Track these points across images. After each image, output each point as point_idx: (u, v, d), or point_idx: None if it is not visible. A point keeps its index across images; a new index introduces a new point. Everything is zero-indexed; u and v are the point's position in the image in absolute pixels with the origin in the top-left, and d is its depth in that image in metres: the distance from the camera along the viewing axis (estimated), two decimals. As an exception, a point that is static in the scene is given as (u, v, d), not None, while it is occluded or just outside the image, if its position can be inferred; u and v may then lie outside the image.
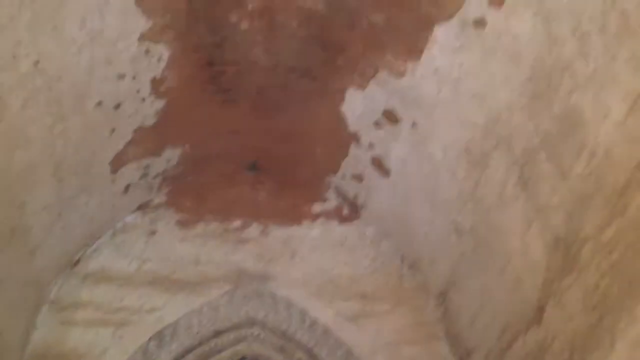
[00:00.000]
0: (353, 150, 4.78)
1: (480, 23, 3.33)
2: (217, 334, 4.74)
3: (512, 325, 3.63)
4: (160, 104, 4.50)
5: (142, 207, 5.21)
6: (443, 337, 4.63)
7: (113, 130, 4.34)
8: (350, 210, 5.32)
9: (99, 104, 4.04)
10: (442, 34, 3.54)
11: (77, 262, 4.79)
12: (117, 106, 4.20)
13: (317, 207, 5.35)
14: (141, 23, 3.89)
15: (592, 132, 2.79)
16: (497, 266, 3.73)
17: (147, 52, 4.09)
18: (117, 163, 4.59)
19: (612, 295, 2.70)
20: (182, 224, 5.19)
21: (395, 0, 3.63)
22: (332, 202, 5.37)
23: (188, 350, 4.64)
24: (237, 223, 5.24)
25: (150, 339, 4.54)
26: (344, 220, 5.30)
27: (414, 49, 3.74)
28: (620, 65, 2.58)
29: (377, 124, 4.41)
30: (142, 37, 3.96)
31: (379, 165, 4.69)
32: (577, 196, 2.93)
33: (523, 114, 3.23)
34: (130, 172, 4.80)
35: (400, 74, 3.93)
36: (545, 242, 3.23)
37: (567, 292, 3.06)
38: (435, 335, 4.67)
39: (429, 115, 3.96)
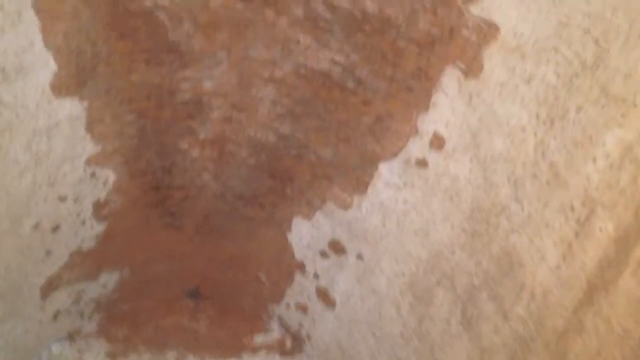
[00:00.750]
0: (298, 279, 4.74)
1: (422, 163, 3.51)
2: None
3: None
4: (101, 227, 4.39)
5: (71, 336, 4.90)
6: None
7: (48, 253, 4.16)
8: (293, 343, 5.16)
9: (36, 226, 3.91)
10: (387, 171, 3.69)
11: (-4, 393, 4.38)
12: (55, 228, 4.07)
13: (258, 339, 5.19)
14: (89, 147, 3.90)
15: (530, 274, 2.86)
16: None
17: (92, 175, 4.05)
18: (49, 287, 4.36)
19: None
20: (113, 355, 4.89)
21: (342, 137, 3.80)
22: (274, 333, 5.22)
23: None
24: (172, 355, 4.98)
25: None
26: (286, 353, 5.13)
27: (360, 183, 3.87)
28: (552, 212, 2.72)
29: (323, 254, 4.42)
30: (89, 161, 3.95)
31: (324, 296, 4.64)
32: (519, 338, 2.95)
33: (464, 252, 3.31)
34: (62, 297, 4.56)
35: (347, 206, 4.03)
36: (489, 384, 3.18)
37: None
38: None
39: (374, 248, 4.01)
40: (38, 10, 3.36)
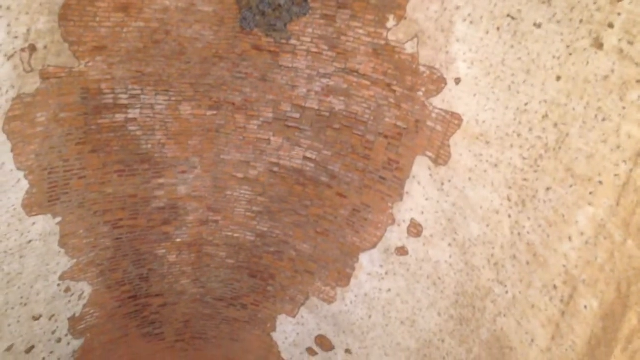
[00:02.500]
0: (287, 379, 4.59)
1: (402, 251, 3.53)
2: None
3: None
4: (78, 342, 4.23)
5: None
6: None
7: (22, 377, 3.97)
8: None
9: (10, 348, 3.74)
10: (368, 261, 3.69)
11: None
12: (30, 349, 3.91)
13: None
14: (63, 262, 3.82)
15: (522, 358, 2.83)
16: None
17: (67, 290, 3.95)
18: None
19: None
20: None
21: (320, 231, 3.82)
22: None
23: None
24: None
25: None
26: None
27: (342, 276, 3.85)
28: (536, 292, 2.73)
29: (310, 351, 4.30)
30: (63, 276, 3.86)
31: (315, 394, 4.49)
32: None
33: (453, 339, 3.27)
34: None
35: (331, 300, 3.98)
36: None
37: None
38: None
39: (362, 341, 3.93)
40: (9, 133, 3.39)
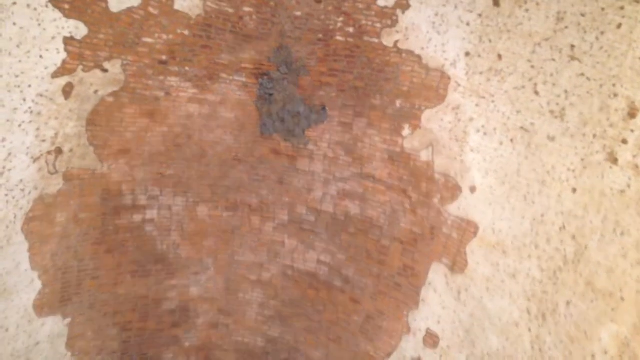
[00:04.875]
0: None
1: (418, 363, 3.40)
2: None
3: None
4: None
5: None
6: None
7: None
8: None
9: None
10: (383, 374, 3.55)
11: None
12: None
13: None
14: (69, 367, 3.74)
15: None
16: None
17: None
18: None
19: None
20: None
21: (332, 337, 3.71)
22: None
23: None
24: None
25: None
26: None
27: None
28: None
29: None
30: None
31: None
32: None
33: None
34: None
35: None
36: None
37: None
38: None
39: None
40: (27, 233, 3.43)
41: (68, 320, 3.63)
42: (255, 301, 3.94)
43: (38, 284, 3.46)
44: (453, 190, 3.33)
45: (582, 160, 2.68)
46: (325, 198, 3.76)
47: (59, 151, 3.41)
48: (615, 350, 2.39)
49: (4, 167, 3.15)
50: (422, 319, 3.40)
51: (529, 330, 2.84)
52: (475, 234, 3.18)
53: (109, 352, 3.83)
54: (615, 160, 2.54)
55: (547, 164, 2.87)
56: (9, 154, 3.16)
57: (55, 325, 3.58)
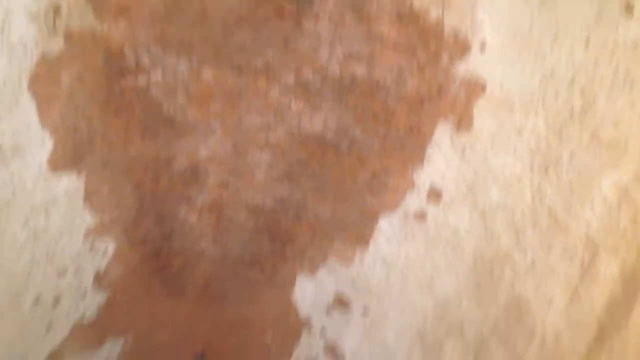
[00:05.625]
0: (305, 337, 4.70)
1: (421, 216, 3.57)
2: None
3: None
4: (102, 297, 4.36)
5: None
6: None
7: (50, 327, 4.10)
8: (305, 403, 5.08)
9: (36, 301, 3.86)
10: (387, 226, 3.74)
11: None
12: (56, 303, 4.03)
13: None
14: (88, 219, 3.91)
15: (539, 319, 2.89)
16: None
17: (91, 246, 4.05)
18: (53, 360, 4.29)
19: None
20: None
21: (339, 195, 3.86)
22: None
23: None
24: (182, 421, 4.86)
25: None
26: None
27: (361, 239, 3.91)
28: (555, 258, 2.78)
29: (328, 311, 4.41)
30: (88, 233, 3.95)
31: (333, 351, 4.60)
32: (535, 384, 2.95)
33: (471, 302, 3.34)
34: (66, 370, 4.48)
35: (349, 263, 4.05)
36: None
37: None
38: None
39: (380, 301, 4.02)
40: (34, 93, 3.44)
41: (83, 177, 3.74)
42: (263, 163, 4.04)
43: (49, 143, 3.51)
44: (462, 48, 3.29)
45: (597, 12, 2.62)
46: (332, 60, 3.72)
47: (57, 9, 3.32)
48: (615, 196, 2.50)
49: (2, 27, 3.09)
50: (427, 175, 3.53)
51: (531, 183, 2.95)
52: (483, 92, 3.19)
53: (125, 208, 4.00)
54: (630, 12, 2.49)
55: (560, 17, 2.81)
56: (6, 13, 3.09)
57: (70, 183, 3.70)
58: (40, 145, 3.48)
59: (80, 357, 4.53)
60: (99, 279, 4.25)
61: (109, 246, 4.16)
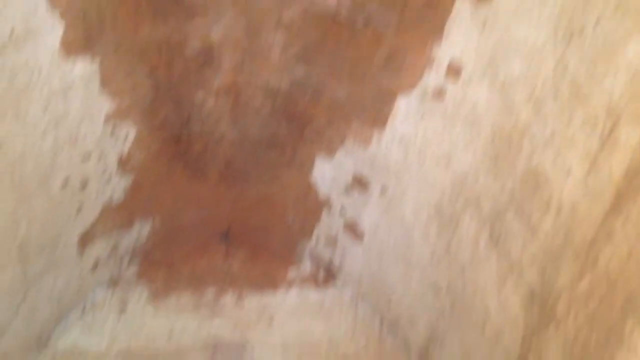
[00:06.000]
0: (325, 216, 4.86)
1: (439, 93, 3.53)
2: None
3: (495, 380, 3.68)
4: (127, 181, 4.50)
5: (112, 283, 5.11)
6: (427, 394, 4.62)
7: (80, 209, 4.30)
8: (326, 275, 5.35)
9: (65, 184, 4.01)
10: (405, 104, 3.71)
11: (47, 340, 4.60)
12: (84, 186, 4.18)
13: (292, 273, 5.37)
14: (106, 104, 3.94)
15: (556, 189, 2.94)
16: (476, 322, 3.80)
17: (112, 131, 4.11)
18: (85, 241, 4.52)
19: (591, 346, 2.78)
20: (154, 298, 5.10)
21: (356, 75, 3.80)
22: (307, 267, 5.41)
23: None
24: (210, 292, 5.19)
25: None
26: (320, 285, 5.32)
27: (379, 119, 3.90)
28: (575, 128, 2.77)
29: (347, 190, 4.51)
30: (108, 118, 4.00)
31: (352, 229, 4.78)
32: (548, 251, 3.06)
33: (488, 176, 3.39)
34: (99, 248, 4.73)
35: (367, 142, 4.08)
36: (521, 297, 3.33)
37: (547, 345, 3.14)
38: (419, 392, 4.66)
39: (398, 180, 4.09)
40: (41, -25, 3.34)
41: (97, 62, 3.71)
42: (277, 43, 3.94)
43: (60, 27, 3.45)
44: None
45: None
46: None
47: None
48: (639, 63, 2.44)
49: None
50: (446, 51, 3.43)
51: (554, 53, 2.87)
52: (506, -41, 3.02)
53: (142, 93, 4.01)
54: None
55: None
56: None
57: (85, 67, 3.68)
58: (51, 29, 3.42)
59: (112, 237, 4.78)
60: (122, 163, 4.36)
61: (129, 132, 4.22)
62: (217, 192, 4.87)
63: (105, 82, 3.84)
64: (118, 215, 4.67)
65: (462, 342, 4.05)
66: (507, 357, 3.53)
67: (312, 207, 4.85)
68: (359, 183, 4.42)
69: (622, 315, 2.58)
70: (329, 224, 4.92)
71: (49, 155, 3.76)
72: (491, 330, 3.66)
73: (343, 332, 5.01)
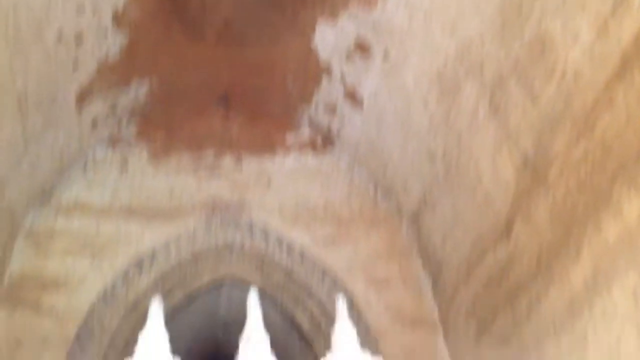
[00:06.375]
0: (325, 81, 4.81)
1: (451, -47, 3.37)
2: (196, 259, 4.88)
3: (482, 241, 3.89)
4: (123, 38, 4.39)
5: (112, 141, 5.16)
6: (416, 255, 4.88)
7: (76, 65, 4.23)
8: (324, 141, 5.40)
9: (59, 38, 3.91)
10: (413, -36, 3.55)
11: (50, 194, 4.74)
12: (79, 41, 4.08)
13: (290, 138, 5.42)
14: (97, -50, 3.75)
15: (561, 55, 2.92)
16: (468, 187, 3.94)
17: (105, -17, 3.95)
18: (82, 98, 4.50)
19: (579, 210, 2.93)
20: (154, 158, 5.18)
21: None
22: (305, 132, 5.44)
23: (167, 275, 4.76)
24: (209, 154, 5.25)
25: (129, 265, 4.59)
26: (318, 149, 5.39)
27: (384, -18, 3.74)
28: (588, -8, 2.68)
29: (348, 56, 4.43)
30: (103, -32, 3.83)
31: (352, 96, 4.76)
32: (547, 118, 3.10)
33: (493, 42, 3.34)
34: (97, 106, 4.73)
35: (372, 5, 3.94)
36: (514, 163, 3.43)
37: (536, 208, 3.29)
38: (409, 254, 4.92)
39: (401, 45, 4.01)
40: None
41: None
42: None
43: None
44: None
45: None
46: None
47: None
48: None
49: None
50: None
51: None
52: None
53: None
54: None
55: None
56: None
57: None
58: None
59: (109, 96, 4.75)
60: (117, 19, 4.23)
61: (124, -13, 4.04)
62: (215, 54, 4.76)
63: None
64: (115, 73, 4.60)
65: (453, 207, 4.23)
66: (495, 219, 3.72)
67: (313, 73, 4.78)
68: (361, 48, 4.33)
69: (612, 180, 2.70)
70: (328, 91, 4.89)
71: (43, 6, 3.62)
72: (482, 194, 3.82)
73: (338, 197, 5.17)
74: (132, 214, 4.84)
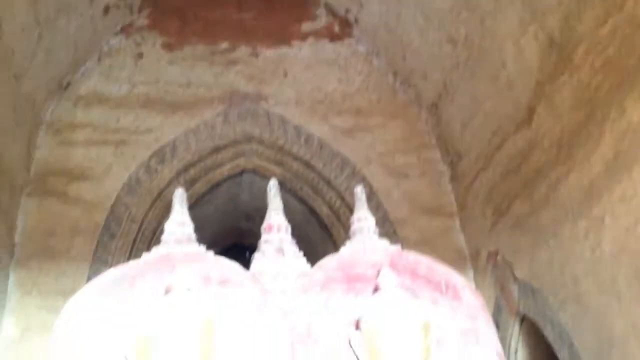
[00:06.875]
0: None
1: None
2: (216, 150, 4.88)
3: (502, 128, 3.82)
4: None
5: (125, 30, 5.04)
6: (435, 145, 4.85)
7: None
8: (341, 28, 5.21)
9: None
10: None
11: (67, 86, 4.72)
12: None
13: (306, 26, 5.23)
14: None
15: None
16: (490, 73, 3.82)
17: None
18: (94, -17, 4.36)
19: (603, 91, 2.84)
20: (168, 47, 5.06)
21: None
22: (322, 20, 5.24)
23: (189, 166, 4.79)
24: (224, 45, 5.11)
25: (151, 156, 4.63)
26: (335, 38, 5.21)
27: None
28: None
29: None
30: None
31: None
32: (574, -4, 2.93)
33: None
34: (108, -9, 4.60)
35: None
36: (539, 44, 3.29)
37: (559, 92, 3.20)
38: (427, 143, 4.89)
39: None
40: None
41: None
42: None
43: None
44: None
45: None
46: None
47: None
48: None
49: None
50: None
51: None
52: None
53: None
54: None
55: None
56: None
57: None
58: None
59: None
60: None
61: None
62: None
63: None
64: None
65: (473, 94, 4.13)
66: (517, 106, 3.63)
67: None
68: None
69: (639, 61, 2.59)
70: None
71: None
72: (505, 80, 3.71)
73: (357, 87, 5.06)
74: (150, 106, 4.81)
